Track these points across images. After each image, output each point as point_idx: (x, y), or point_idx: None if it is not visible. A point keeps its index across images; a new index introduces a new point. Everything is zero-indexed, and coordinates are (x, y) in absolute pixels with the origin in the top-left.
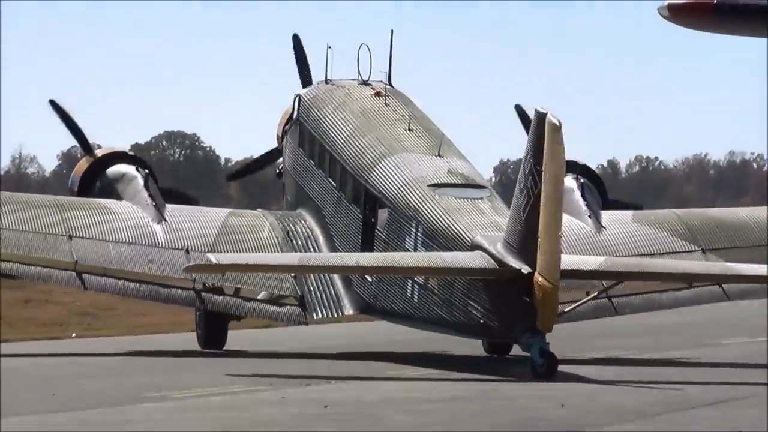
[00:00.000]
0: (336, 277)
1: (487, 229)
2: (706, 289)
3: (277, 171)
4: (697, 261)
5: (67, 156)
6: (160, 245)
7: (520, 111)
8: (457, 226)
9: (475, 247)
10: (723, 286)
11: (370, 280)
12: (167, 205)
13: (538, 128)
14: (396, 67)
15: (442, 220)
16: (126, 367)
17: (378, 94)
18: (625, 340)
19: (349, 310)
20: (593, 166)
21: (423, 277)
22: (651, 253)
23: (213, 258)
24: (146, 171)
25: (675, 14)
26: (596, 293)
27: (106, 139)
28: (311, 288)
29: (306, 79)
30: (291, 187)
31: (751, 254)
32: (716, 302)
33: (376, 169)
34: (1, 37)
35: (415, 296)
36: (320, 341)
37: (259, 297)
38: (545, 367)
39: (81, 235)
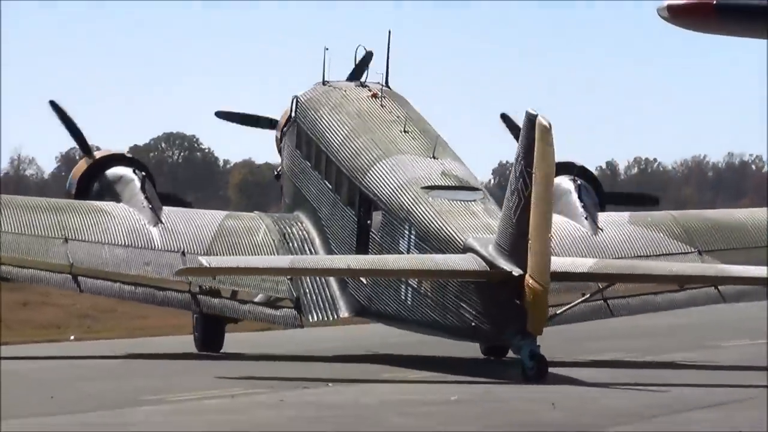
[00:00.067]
0: (332, 279)
1: (479, 231)
2: (702, 290)
3: (276, 173)
4: (692, 262)
5: (65, 158)
6: (156, 248)
7: (507, 119)
8: (449, 229)
9: (466, 249)
10: (719, 287)
11: (365, 282)
12: (164, 208)
13: (529, 130)
14: (396, 68)
15: (435, 223)
16: (125, 370)
17: (374, 95)
18: (623, 342)
19: (344, 313)
20: (592, 168)
21: (417, 280)
22: (647, 254)
23: (204, 261)
24: (143, 173)
25: (675, 15)
26: (588, 295)
27: (106, 140)
28: (307, 290)
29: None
30: (288, 189)
31: (747, 256)
32: (712, 304)
33: (370, 171)
34: (0, 37)
35: (409, 299)
36: (317, 344)
37: (256, 300)
38: (535, 370)
39: (77, 238)
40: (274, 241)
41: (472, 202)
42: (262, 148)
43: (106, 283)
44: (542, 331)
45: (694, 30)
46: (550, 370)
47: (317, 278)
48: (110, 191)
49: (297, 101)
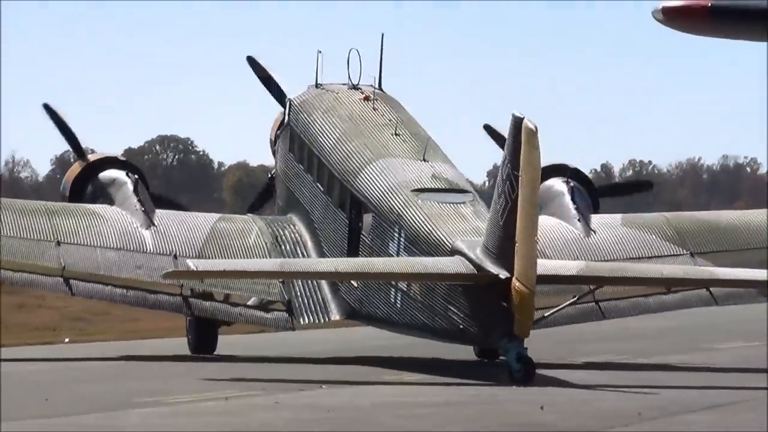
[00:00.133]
0: (323, 282)
1: (468, 234)
2: (694, 292)
3: (270, 175)
4: (683, 265)
5: (60, 160)
6: (148, 251)
7: (490, 130)
8: (438, 232)
9: (454, 252)
10: (711, 289)
11: (356, 285)
12: (157, 211)
13: (515, 133)
14: (395, 68)
15: (424, 226)
16: (119, 372)
17: (367, 98)
18: (615, 345)
19: (335, 316)
20: (587, 170)
21: (406, 283)
22: (639, 256)
23: (192, 264)
24: (136, 176)
25: (670, 17)
26: (576, 298)
27: (100, 143)
28: (298, 293)
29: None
30: (282, 191)
31: (740, 258)
32: (703, 306)
33: (361, 174)
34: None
35: (398, 302)
36: (309, 346)
37: (249, 303)
38: (522, 372)
39: (69, 241)
40: (266, 243)
41: (462, 205)
42: (256, 151)
43: (97, 287)
44: (529, 334)
45: (689, 33)
46: (545, 372)
47: (309, 281)
48: (103, 194)
49: (290, 104)
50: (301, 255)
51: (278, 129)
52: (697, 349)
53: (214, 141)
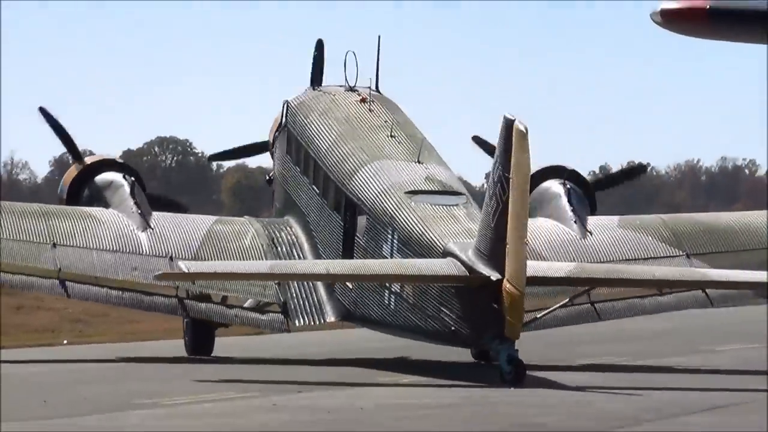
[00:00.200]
0: (319, 284)
1: (461, 236)
2: (690, 294)
3: (267, 178)
4: (678, 266)
5: (59, 162)
6: (144, 253)
7: (479, 141)
8: (431, 233)
9: (446, 254)
10: (707, 291)
11: (351, 287)
12: (153, 213)
13: (507, 135)
14: (393, 69)
15: (417, 227)
16: (118, 373)
17: (363, 100)
18: (613, 347)
19: (330, 317)
20: (585, 172)
21: (399, 285)
22: (635, 258)
23: (183, 266)
24: (133, 179)
25: (668, 20)
26: (566, 300)
27: (98, 144)
28: (294, 295)
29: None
30: (279, 194)
31: (737, 259)
32: (700, 308)
33: (356, 176)
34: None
35: (392, 304)
36: (306, 348)
37: (246, 305)
38: (513, 374)
39: (65, 243)
40: (262, 245)
41: (455, 207)
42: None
43: (93, 288)
44: (519, 336)
45: (687, 35)
46: (544, 374)
47: (304, 283)
48: (100, 197)
49: (287, 106)
50: (297, 257)
51: (276, 131)
52: (695, 351)
53: (212, 142)
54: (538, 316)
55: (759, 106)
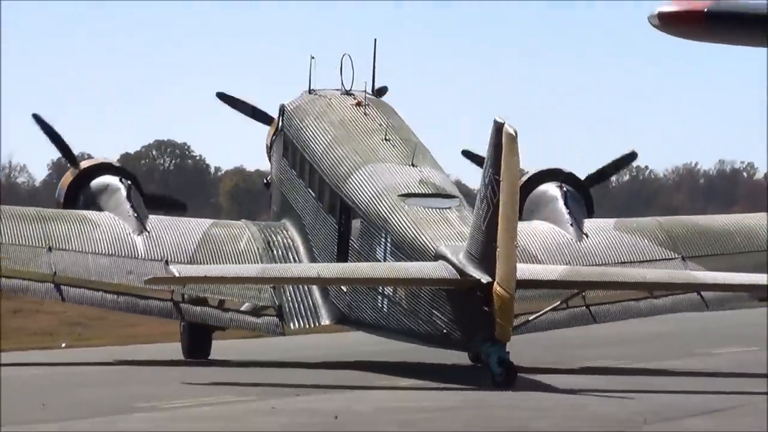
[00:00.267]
0: (314, 287)
1: (453, 239)
2: (685, 296)
3: (265, 181)
4: (673, 269)
5: (57, 165)
6: (140, 256)
7: (469, 154)
8: (423, 237)
9: (438, 257)
10: (702, 294)
11: (345, 290)
12: (150, 216)
13: (497, 138)
14: (391, 71)
15: (410, 231)
16: (116, 377)
17: (359, 104)
18: (609, 350)
19: (325, 321)
20: (582, 174)
21: (392, 288)
22: (631, 260)
23: (175, 270)
24: (129, 182)
25: (666, 23)
26: (558, 303)
27: (96, 148)
28: (289, 298)
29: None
30: (276, 197)
31: (733, 261)
32: (695, 311)
33: (350, 179)
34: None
35: (385, 307)
36: (302, 351)
37: (243, 308)
38: (503, 377)
39: (61, 247)
40: (258, 249)
41: (448, 210)
42: (253, 156)
43: (88, 292)
44: (509, 338)
45: (685, 38)
46: (541, 377)
47: (299, 286)
48: (97, 200)
49: (284, 110)
50: (292, 260)
51: (273, 134)
52: (692, 354)
53: (210, 146)
54: (530, 318)
55: (757, 109)
